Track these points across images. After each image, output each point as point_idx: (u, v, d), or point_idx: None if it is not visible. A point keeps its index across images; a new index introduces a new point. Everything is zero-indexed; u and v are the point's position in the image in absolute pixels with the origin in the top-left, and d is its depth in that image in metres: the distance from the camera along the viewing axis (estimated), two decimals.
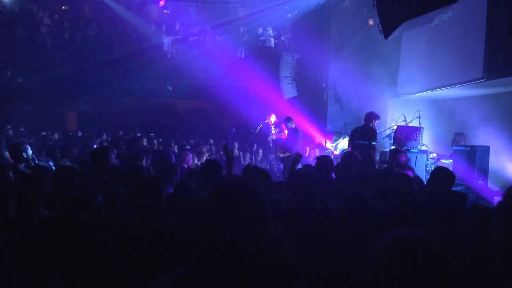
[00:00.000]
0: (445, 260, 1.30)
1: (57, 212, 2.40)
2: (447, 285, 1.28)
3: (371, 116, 7.49)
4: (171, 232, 2.68)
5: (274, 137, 10.71)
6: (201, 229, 1.52)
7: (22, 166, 5.20)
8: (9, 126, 12.35)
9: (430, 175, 4.06)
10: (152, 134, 11.52)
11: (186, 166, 6.68)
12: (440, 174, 4.01)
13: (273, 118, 10.88)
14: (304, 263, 2.33)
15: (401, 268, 1.29)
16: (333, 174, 5.24)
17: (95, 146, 7.95)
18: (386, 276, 1.30)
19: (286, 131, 9.64)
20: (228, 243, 1.41)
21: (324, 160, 5.07)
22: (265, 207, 1.52)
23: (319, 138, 11.76)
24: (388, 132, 9.14)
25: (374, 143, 7.31)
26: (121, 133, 12.74)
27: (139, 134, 10.37)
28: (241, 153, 11.64)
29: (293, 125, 9.28)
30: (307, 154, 10.45)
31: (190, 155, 7.24)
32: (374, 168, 6.86)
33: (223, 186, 1.54)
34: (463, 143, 7.66)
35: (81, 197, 2.82)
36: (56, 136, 12.44)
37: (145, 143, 8.10)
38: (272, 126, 10.77)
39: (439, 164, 7.65)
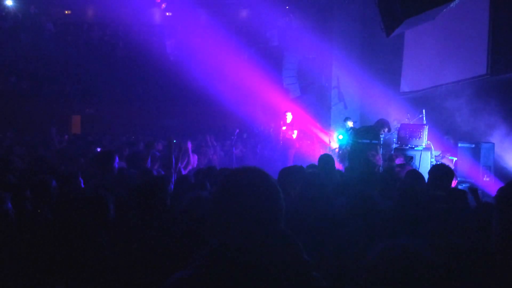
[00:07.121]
0: (436, 272, 1.28)
1: (61, 216, 2.41)
2: None
3: (383, 123, 7.29)
4: (175, 232, 2.66)
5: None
6: (210, 225, 1.41)
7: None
8: None
9: (429, 173, 3.98)
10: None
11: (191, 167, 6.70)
12: (440, 170, 3.95)
13: (289, 117, 9.82)
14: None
15: (392, 281, 1.27)
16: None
17: (98, 149, 7.94)
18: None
19: (295, 132, 9.61)
20: (243, 240, 1.33)
21: (326, 158, 5.08)
22: (280, 200, 1.40)
23: (323, 137, 11.74)
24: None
25: (374, 141, 7.19)
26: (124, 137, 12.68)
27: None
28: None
29: None
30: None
31: (196, 157, 7.23)
32: (374, 167, 6.76)
33: (234, 176, 1.41)
34: (451, 141, 7.62)
35: (91, 202, 2.74)
36: None
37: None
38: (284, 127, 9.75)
39: (444, 161, 7.61)
